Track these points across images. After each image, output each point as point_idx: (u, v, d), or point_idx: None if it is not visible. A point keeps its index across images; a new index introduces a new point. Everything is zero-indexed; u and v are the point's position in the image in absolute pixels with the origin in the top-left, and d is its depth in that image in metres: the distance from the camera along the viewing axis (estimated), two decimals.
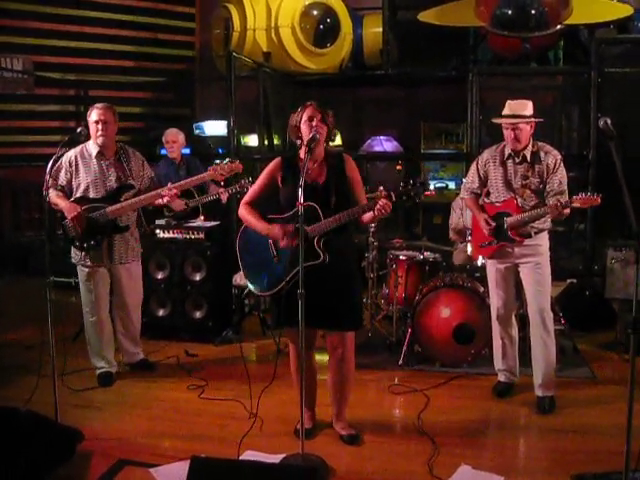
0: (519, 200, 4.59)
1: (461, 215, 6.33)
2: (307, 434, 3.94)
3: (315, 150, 3.86)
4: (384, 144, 9.67)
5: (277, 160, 4.07)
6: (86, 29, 9.90)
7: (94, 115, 4.88)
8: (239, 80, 7.81)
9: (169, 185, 4.96)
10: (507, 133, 4.55)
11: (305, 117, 3.87)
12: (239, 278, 6.16)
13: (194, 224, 6.29)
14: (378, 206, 3.65)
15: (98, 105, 4.92)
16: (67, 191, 4.97)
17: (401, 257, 6.05)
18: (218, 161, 4.88)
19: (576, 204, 4.32)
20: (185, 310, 6.22)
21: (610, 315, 6.31)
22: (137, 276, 5.27)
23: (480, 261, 5.60)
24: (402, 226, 9.17)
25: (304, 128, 3.88)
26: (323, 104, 3.92)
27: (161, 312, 6.21)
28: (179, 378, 5.26)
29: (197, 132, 9.32)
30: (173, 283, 6.17)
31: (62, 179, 4.95)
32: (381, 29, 8.82)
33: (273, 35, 8.82)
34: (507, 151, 4.65)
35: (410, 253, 6.16)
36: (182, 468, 3.43)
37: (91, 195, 4.93)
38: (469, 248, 5.85)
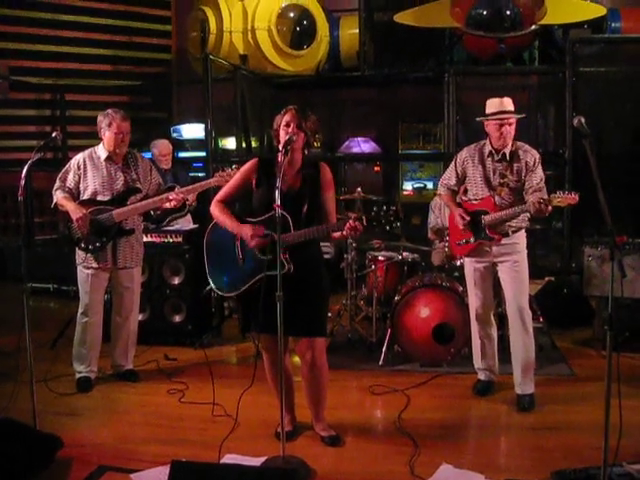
0: (497, 198, 4.62)
1: (439, 215, 6.36)
2: (288, 436, 3.92)
3: (293, 156, 3.86)
4: (362, 145, 9.68)
5: (253, 161, 4.05)
6: (62, 33, 9.83)
7: (116, 127, 4.90)
8: (216, 83, 7.79)
9: (176, 189, 4.97)
10: (497, 130, 4.53)
11: (284, 122, 3.86)
12: None
13: (171, 228, 6.26)
14: (348, 226, 3.63)
15: (118, 116, 4.93)
16: (74, 193, 5.00)
17: (380, 258, 6.07)
18: (232, 167, 4.85)
19: (554, 202, 4.34)
20: (164, 314, 6.19)
21: (588, 312, 6.38)
22: (137, 281, 5.30)
23: (459, 261, 5.63)
24: (381, 226, 9.18)
25: (282, 133, 3.87)
26: (304, 108, 3.90)
27: (140, 316, 6.13)
28: (159, 382, 5.23)
29: (175, 135, 9.28)
30: (152, 287, 6.12)
31: (70, 181, 4.99)
32: (357, 31, 8.85)
33: (250, 37, 8.82)
34: (487, 149, 4.67)
35: (389, 254, 6.18)
36: (163, 473, 3.42)
37: (98, 198, 4.96)
38: (447, 248, 5.89)
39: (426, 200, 7.04)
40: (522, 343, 4.64)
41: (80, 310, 5.10)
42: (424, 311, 5.43)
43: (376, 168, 9.64)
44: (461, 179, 4.84)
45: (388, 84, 9.46)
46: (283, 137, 3.83)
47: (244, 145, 8.60)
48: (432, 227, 6.49)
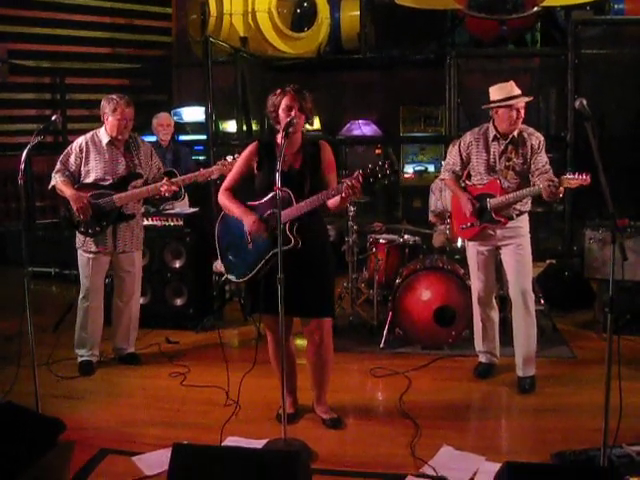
0: (503, 181, 4.59)
1: (440, 197, 6.34)
2: (289, 419, 3.93)
3: (292, 136, 3.84)
4: (363, 128, 9.67)
5: (253, 145, 4.05)
6: (61, 15, 9.77)
7: (120, 113, 4.87)
8: (216, 65, 7.77)
9: (165, 180, 4.95)
10: (509, 115, 4.47)
11: (283, 105, 3.84)
12: (219, 264, 6.13)
13: (172, 211, 6.26)
14: (345, 186, 3.61)
15: (122, 102, 4.90)
16: (75, 176, 4.98)
17: (381, 241, 6.06)
18: (234, 157, 4.81)
19: (565, 184, 4.32)
20: (165, 297, 6.19)
21: (589, 295, 6.38)
22: (138, 265, 5.30)
23: (460, 243, 5.62)
24: (382, 210, 9.19)
25: (282, 116, 3.85)
26: (301, 89, 3.89)
27: (141, 300, 6.14)
28: (161, 366, 5.25)
29: (175, 118, 9.22)
30: (153, 270, 6.12)
31: (72, 164, 4.97)
32: (358, 13, 8.79)
33: (250, 20, 8.77)
34: (491, 133, 4.63)
35: (390, 236, 6.18)
36: (164, 456, 3.42)
37: (99, 182, 4.95)
38: (448, 231, 5.88)
39: (427, 183, 7.01)
40: (524, 326, 4.65)
41: (81, 294, 5.10)
42: (425, 294, 5.44)
43: (377, 151, 9.62)
44: (465, 163, 4.81)
45: (389, 66, 9.42)
46: (284, 119, 3.81)
47: (245, 128, 8.58)
48: (433, 210, 6.47)
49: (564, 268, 6.83)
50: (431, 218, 6.51)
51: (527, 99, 4.52)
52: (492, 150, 4.64)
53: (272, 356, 4.18)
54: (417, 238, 6.16)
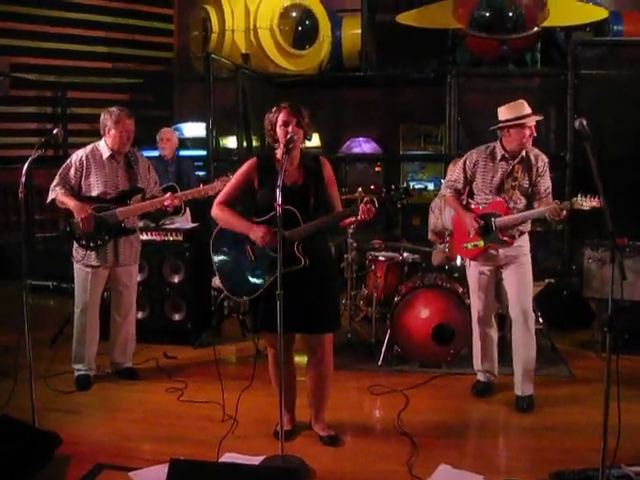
0: (509, 201, 4.59)
1: (439, 216, 6.35)
2: (287, 436, 3.92)
3: (292, 152, 3.84)
4: (363, 145, 9.70)
5: (252, 160, 4.02)
6: (64, 30, 9.83)
7: (122, 126, 4.88)
8: (218, 82, 7.81)
9: (168, 195, 4.96)
10: (522, 134, 4.47)
11: (280, 121, 3.84)
12: (218, 280, 6.13)
13: (172, 226, 6.26)
14: (362, 210, 3.67)
15: (124, 114, 4.91)
16: (75, 190, 4.96)
17: (380, 258, 6.06)
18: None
19: (576, 206, 4.30)
20: (164, 312, 6.18)
21: (587, 314, 6.37)
22: (135, 279, 5.32)
23: (459, 261, 5.62)
24: (381, 227, 9.19)
25: (279, 132, 3.85)
26: (297, 104, 3.90)
27: (139, 314, 6.12)
28: (158, 381, 5.23)
29: (176, 134, 9.28)
30: (151, 285, 6.12)
31: (71, 178, 4.95)
32: (360, 31, 8.85)
33: (252, 36, 8.84)
34: (498, 153, 4.61)
35: (389, 254, 6.17)
36: (161, 471, 3.42)
37: (101, 196, 4.94)
38: (447, 249, 5.88)
39: (427, 201, 7.02)
40: (524, 345, 4.64)
41: (79, 308, 5.08)
42: (424, 312, 5.43)
43: (377, 168, 9.64)
44: (469, 181, 4.78)
45: (390, 85, 9.48)
46: (282, 135, 3.82)
47: (245, 144, 8.61)
48: (432, 228, 6.47)
49: (563, 287, 6.82)
50: (431, 237, 6.52)
51: (538, 117, 4.53)
52: (499, 169, 4.63)
53: (272, 373, 4.16)
54: (416, 256, 6.15)
